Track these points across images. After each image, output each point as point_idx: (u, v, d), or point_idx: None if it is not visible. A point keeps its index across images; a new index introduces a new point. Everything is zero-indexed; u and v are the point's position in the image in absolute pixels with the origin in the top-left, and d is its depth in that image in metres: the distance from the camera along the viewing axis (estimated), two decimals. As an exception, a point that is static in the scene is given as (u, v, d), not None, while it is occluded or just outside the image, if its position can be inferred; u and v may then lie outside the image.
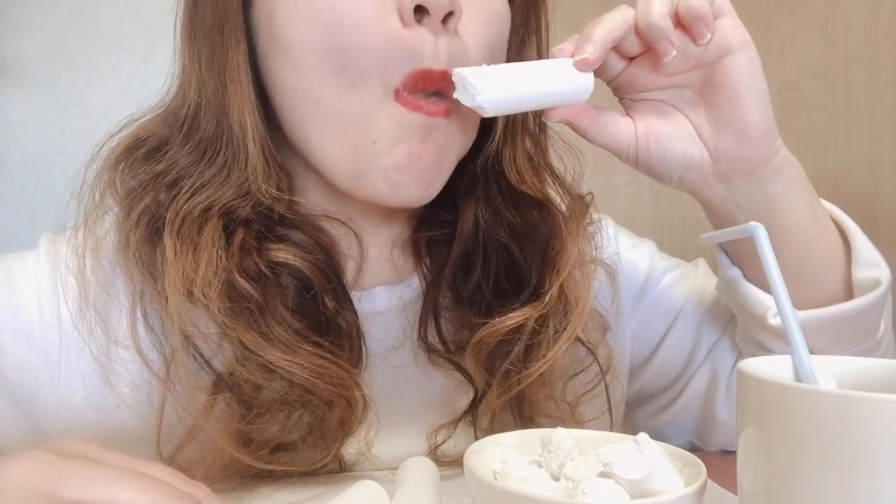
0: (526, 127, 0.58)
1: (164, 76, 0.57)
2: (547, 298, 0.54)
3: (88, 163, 0.54)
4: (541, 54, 0.60)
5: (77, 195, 0.54)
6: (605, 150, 0.52)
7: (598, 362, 0.58)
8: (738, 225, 0.50)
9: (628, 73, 0.50)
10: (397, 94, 0.49)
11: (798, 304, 0.54)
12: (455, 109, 0.50)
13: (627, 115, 0.52)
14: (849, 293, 0.56)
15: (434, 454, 0.56)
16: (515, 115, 0.57)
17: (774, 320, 0.55)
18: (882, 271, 0.55)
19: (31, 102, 1.35)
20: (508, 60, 0.58)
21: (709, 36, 0.46)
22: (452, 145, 0.53)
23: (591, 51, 0.46)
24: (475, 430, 0.57)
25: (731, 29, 0.47)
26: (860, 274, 0.55)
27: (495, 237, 0.57)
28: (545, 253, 0.56)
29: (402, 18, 0.48)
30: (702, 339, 0.66)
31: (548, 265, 0.56)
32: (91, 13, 1.36)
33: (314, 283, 0.52)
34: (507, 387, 0.55)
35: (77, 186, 0.54)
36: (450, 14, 0.48)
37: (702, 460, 0.38)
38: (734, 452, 0.36)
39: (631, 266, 0.68)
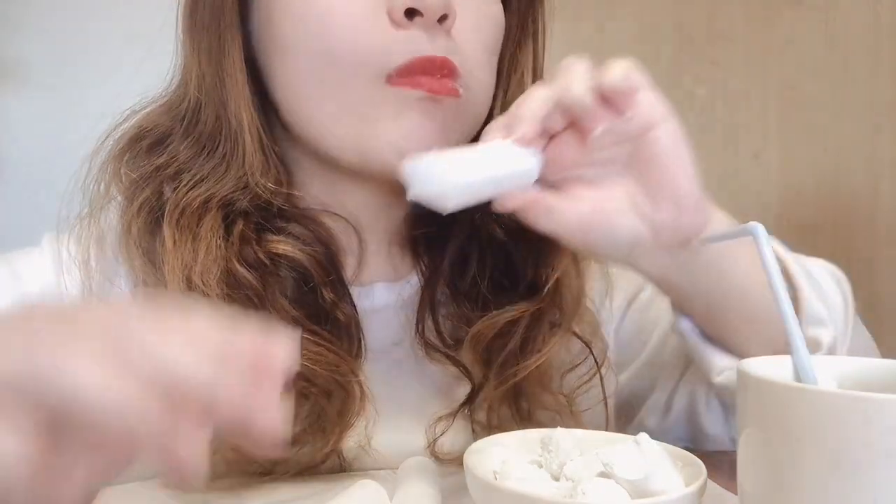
0: None
1: (164, 75, 0.58)
2: (543, 293, 0.55)
3: (93, 154, 0.56)
4: (537, 59, 0.60)
5: (82, 185, 0.55)
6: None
7: (594, 356, 0.59)
8: (684, 288, 0.51)
9: (554, 150, 0.47)
10: (389, 79, 0.50)
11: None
12: (462, 88, 0.51)
13: (564, 194, 0.49)
14: None
15: (433, 448, 0.56)
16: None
17: (718, 378, 0.55)
18: (826, 330, 0.54)
19: (32, 102, 1.35)
20: (502, 65, 0.58)
21: (631, 110, 0.45)
22: (459, 122, 0.53)
23: (525, 127, 0.44)
24: (472, 424, 0.57)
25: (651, 102, 0.45)
26: (805, 332, 0.54)
27: (490, 233, 0.57)
28: (540, 248, 0.57)
29: (392, 19, 0.49)
30: (679, 359, 0.66)
31: (543, 260, 0.56)
32: (91, 13, 1.36)
33: (312, 275, 0.52)
34: (503, 379, 0.55)
35: (82, 177, 0.55)
36: (444, 17, 0.49)
37: (702, 460, 0.38)
38: (734, 452, 0.36)
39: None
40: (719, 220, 0.50)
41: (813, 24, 1.58)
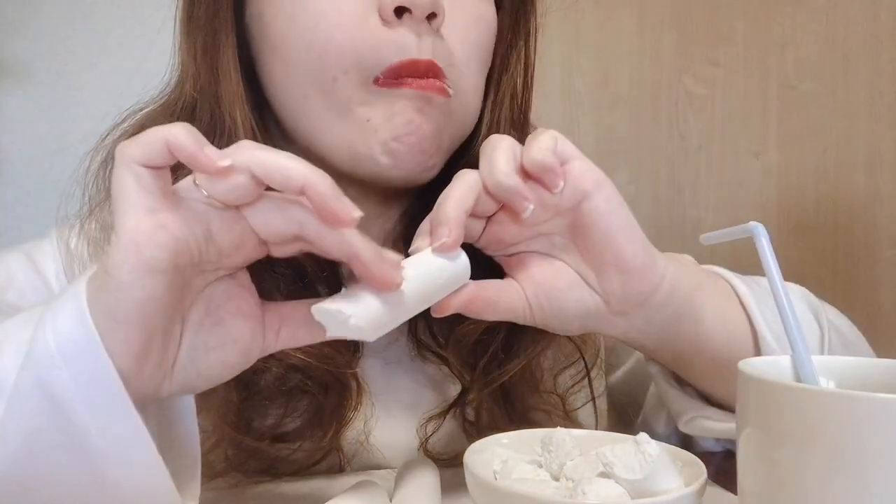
0: (514, 125, 0.59)
1: (163, 75, 0.59)
2: None
3: (94, 153, 0.56)
4: (528, 59, 0.60)
5: (82, 183, 0.56)
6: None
7: (583, 357, 0.60)
8: (647, 345, 0.50)
9: (491, 231, 0.46)
10: (377, 81, 0.50)
11: (725, 402, 0.54)
12: (451, 88, 0.51)
13: (508, 274, 0.48)
14: None
15: (425, 447, 0.56)
16: (499, 114, 0.58)
17: (684, 428, 0.56)
18: None
19: (31, 102, 1.35)
20: (493, 64, 0.58)
21: (561, 184, 0.43)
22: (450, 123, 0.53)
23: (447, 233, 0.41)
24: (464, 424, 0.57)
25: (581, 172, 0.44)
26: None
27: None
28: None
29: (382, 18, 0.50)
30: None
31: None
32: (90, 13, 1.36)
33: (307, 271, 0.53)
34: (488, 381, 0.56)
35: (81, 175, 0.57)
36: (433, 15, 0.50)
37: (702, 460, 0.38)
38: (734, 452, 0.36)
39: None
40: (679, 274, 0.48)
41: (813, 24, 1.58)
